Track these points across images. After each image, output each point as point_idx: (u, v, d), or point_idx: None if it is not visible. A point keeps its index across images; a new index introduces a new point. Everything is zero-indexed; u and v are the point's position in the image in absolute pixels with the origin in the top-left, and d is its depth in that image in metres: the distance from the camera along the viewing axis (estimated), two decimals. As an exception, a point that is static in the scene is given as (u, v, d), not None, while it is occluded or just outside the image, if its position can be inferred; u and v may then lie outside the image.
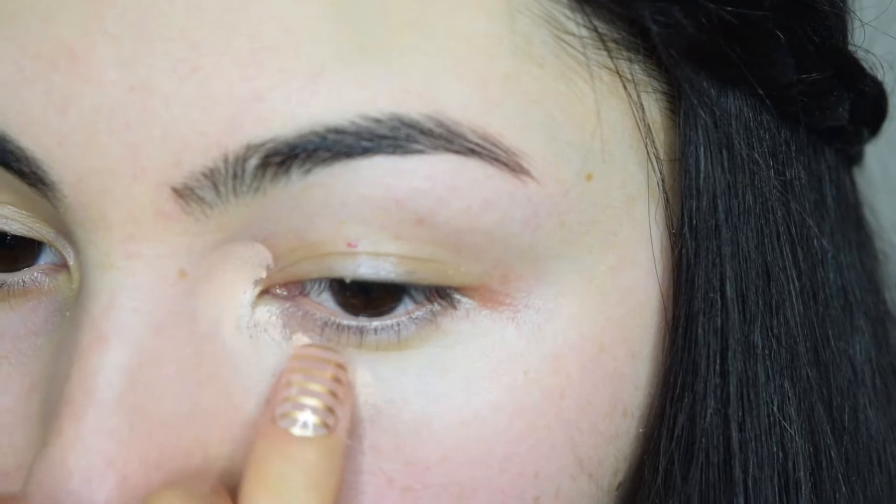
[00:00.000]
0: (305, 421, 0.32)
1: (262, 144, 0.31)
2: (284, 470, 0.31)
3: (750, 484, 0.37)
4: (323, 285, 0.34)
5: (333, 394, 0.32)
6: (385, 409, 0.34)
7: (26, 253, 0.35)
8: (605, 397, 0.36)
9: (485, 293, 0.34)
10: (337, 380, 0.33)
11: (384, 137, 0.31)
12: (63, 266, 0.35)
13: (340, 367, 0.33)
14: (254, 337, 0.34)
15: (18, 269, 0.35)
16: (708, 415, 0.36)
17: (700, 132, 0.35)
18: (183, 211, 0.32)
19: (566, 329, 0.35)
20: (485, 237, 0.33)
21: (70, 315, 0.34)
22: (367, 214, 0.32)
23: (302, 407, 0.32)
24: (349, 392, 0.33)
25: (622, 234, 0.35)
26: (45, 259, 0.35)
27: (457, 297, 0.34)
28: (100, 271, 0.32)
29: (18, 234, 0.34)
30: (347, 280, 0.33)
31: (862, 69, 0.39)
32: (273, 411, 0.32)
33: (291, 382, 0.32)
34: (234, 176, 0.31)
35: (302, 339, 0.34)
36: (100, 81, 0.31)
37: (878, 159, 0.51)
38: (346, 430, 0.33)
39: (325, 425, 0.32)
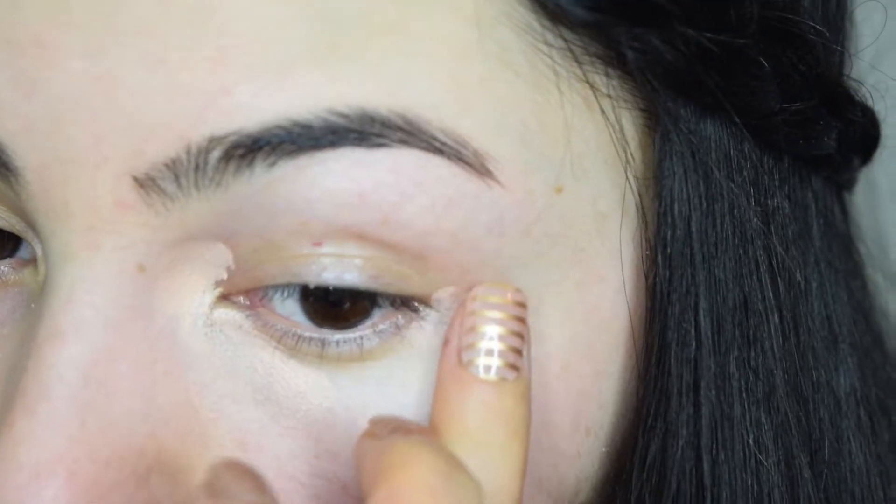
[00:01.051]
0: (498, 366, 0.32)
1: (226, 137, 0.31)
2: (486, 417, 0.32)
3: None
4: (287, 293, 0.33)
5: (519, 334, 0.32)
6: (342, 416, 0.33)
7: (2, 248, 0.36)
8: (567, 416, 0.35)
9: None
10: (519, 318, 0.33)
11: (351, 130, 0.31)
12: (31, 261, 0.35)
13: (521, 304, 0.33)
14: (209, 336, 0.34)
15: None
16: (679, 446, 0.36)
17: (676, 160, 0.35)
18: (144, 202, 0.31)
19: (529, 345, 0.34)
20: (450, 240, 0.32)
21: (35, 307, 0.34)
22: (331, 213, 0.31)
23: (493, 352, 0.32)
24: (528, 328, 0.33)
25: (590, 251, 0.35)
26: (20, 255, 0.35)
27: (423, 310, 0.34)
28: (62, 262, 0.32)
29: None
30: (311, 285, 0.33)
31: (851, 98, 0.38)
32: (460, 356, 0.32)
33: (476, 327, 0.32)
34: (196, 168, 0.31)
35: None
36: (65, 70, 0.31)
37: (883, 168, 0.50)
38: (530, 370, 0.33)
39: (516, 368, 0.32)
